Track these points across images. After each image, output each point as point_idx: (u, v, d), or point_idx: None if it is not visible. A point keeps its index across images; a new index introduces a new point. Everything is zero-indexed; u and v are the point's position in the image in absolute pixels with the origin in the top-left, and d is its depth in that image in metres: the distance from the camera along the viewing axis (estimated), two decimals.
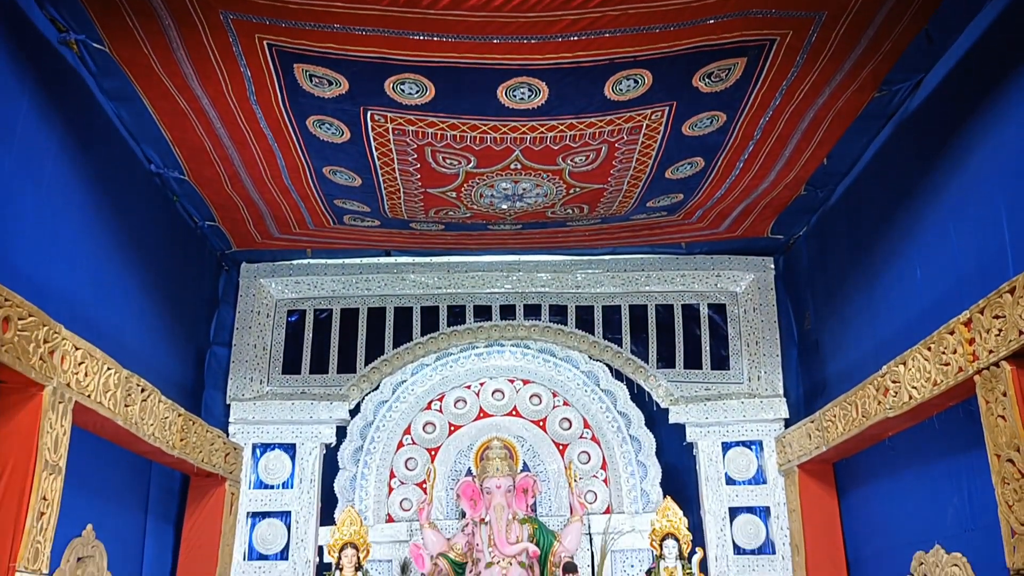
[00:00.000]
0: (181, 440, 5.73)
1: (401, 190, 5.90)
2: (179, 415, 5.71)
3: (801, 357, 7.31)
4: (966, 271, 4.65)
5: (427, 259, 7.72)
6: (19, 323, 3.80)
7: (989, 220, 4.39)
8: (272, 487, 7.18)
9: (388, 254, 7.70)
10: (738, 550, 7.04)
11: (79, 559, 4.99)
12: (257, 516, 7.12)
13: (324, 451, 7.38)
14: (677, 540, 6.69)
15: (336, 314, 7.70)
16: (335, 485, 7.45)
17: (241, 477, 6.98)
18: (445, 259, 7.72)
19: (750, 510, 7.15)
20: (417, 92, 4.62)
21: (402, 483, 7.66)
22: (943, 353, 4.49)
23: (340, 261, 7.70)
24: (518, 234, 7.00)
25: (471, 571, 7.00)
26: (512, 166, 5.50)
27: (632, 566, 7.28)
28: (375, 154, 5.35)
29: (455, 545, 7.11)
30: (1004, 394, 3.96)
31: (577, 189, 5.91)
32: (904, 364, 4.93)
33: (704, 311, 7.69)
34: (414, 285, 7.70)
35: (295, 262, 7.68)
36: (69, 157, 4.76)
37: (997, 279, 4.08)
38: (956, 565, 4.86)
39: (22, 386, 3.99)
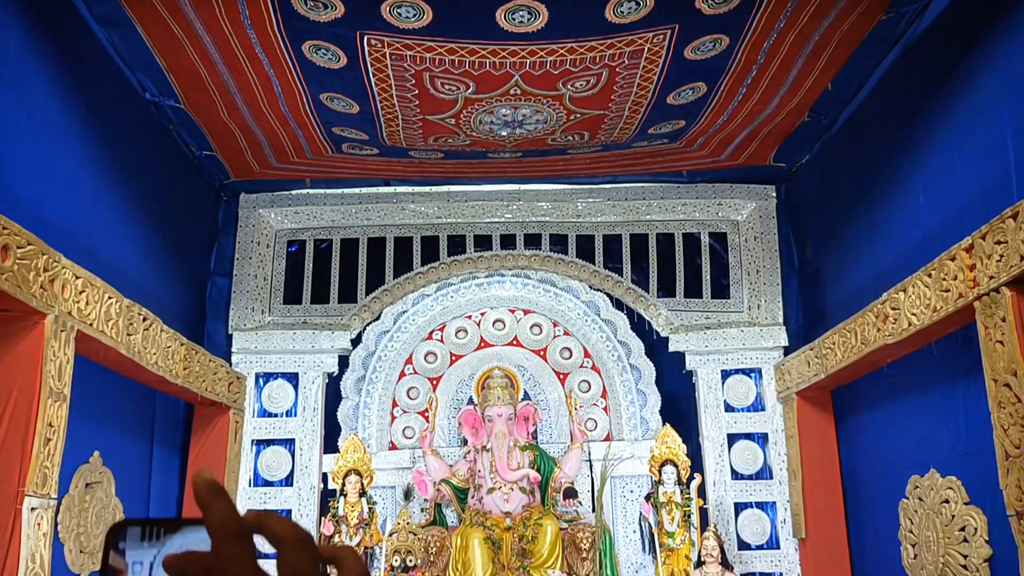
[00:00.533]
0: (184, 369, 5.77)
1: (399, 117, 5.83)
2: (181, 344, 5.75)
3: (802, 286, 7.32)
4: (970, 197, 4.62)
5: (426, 188, 7.66)
6: (18, 251, 3.80)
7: (995, 145, 4.34)
8: (276, 415, 7.26)
9: (388, 183, 7.64)
10: (736, 475, 7.15)
11: (87, 485, 5.08)
12: (262, 444, 7.22)
13: (326, 380, 7.44)
14: (676, 466, 6.80)
15: (336, 244, 7.68)
16: (338, 413, 7.54)
17: (245, 406, 7.05)
18: (445, 188, 7.67)
19: (748, 436, 7.24)
20: (414, 15, 4.52)
21: (404, 412, 7.76)
22: (943, 279, 4.49)
23: (339, 191, 7.65)
24: (518, 162, 6.94)
25: (473, 496, 7.14)
26: (512, 92, 5.42)
27: (631, 491, 7.40)
28: (372, 80, 5.27)
29: (457, 471, 7.24)
30: (1003, 319, 3.97)
31: (577, 115, 5.84)
32: (904, 291, 4.93)
33: (705, 240, 7.67)
34: (414, 215, 7.67)
35: (294, 192, 7.63)
36: (62, 85, 4.70)
37: (1001, 204, 4.05)
38: (951, 488, 4.94)
39: (24, 315, 4.00)
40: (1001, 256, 3.97)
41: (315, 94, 5.55)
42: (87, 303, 4.47)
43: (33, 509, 3.84)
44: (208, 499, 0.59)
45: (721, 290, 7.57)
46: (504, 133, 6.12)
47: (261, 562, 0.59)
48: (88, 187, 5.09)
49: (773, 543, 6.99)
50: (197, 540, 0.62)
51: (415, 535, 6.65)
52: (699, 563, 6.32)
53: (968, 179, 4.66)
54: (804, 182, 7.20)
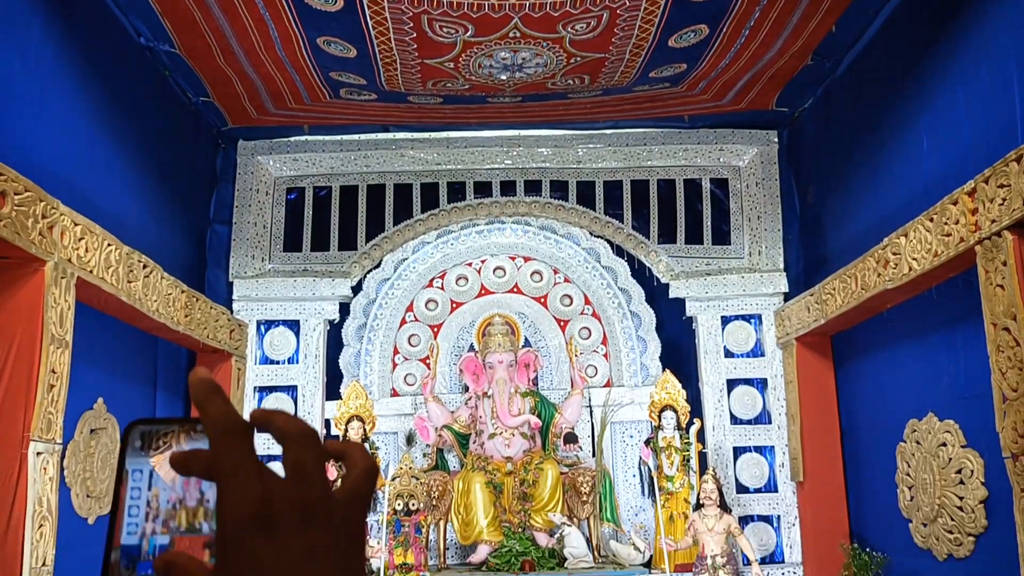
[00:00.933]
0: (185, 316, 5.79)
1: (397, 61, 5.75)
2: (182, 292, 5.76)
3: (803, 231, 7.30)
4: (974, 140, 4.58)
5: (426, 134, 7.60)
6: (15, 198, 3.78)
7: (1000, 88, 4.29)
8: (278, 363, 7.30)
9: (386, 129, 7.57)
10: (735, 420, 7.21)
11: (92, 431, 5.12)
12: (264, 391, 7.26)
13: (328, 327, 7.46)
14: (675, 411, 6.86)
15: (335, 191, 7.64)
16: (340, 361, 7.58)
17: (247, 353, 7.08)
18: (444, 134, 7.61)
19: (748, 382, 7.28)
20: None
21: (406, 359, 7.80)
22: (945, 224, 4.47)
23: (338, 137, 7.59)
24: (518, 107, 6.87)
25: (475, 442, 7.21)
26: (511, 34, 5.34)
27: (631, 436, 7.47)
28: (369, 23, 5.19)
29: (459, 417, 7.30)
30: (1004, 263, 3.97)
31: (578, 59, 5.77)
32: (905, 236, 4.92)
33: (706, 186, 7.63)
34: (413, 161, 7.62)
35: (292, 139, 7.57)
36: (56, 30, 4.63)
37: (1005, 148, 4.01)
38: (948, 431, 4.98)
39: (23, 262, 4.00)
40: (1003, 200, 3.95)
41: (312, 38, 5.47)
42: (86, 250, 4.46)
43: (39, 454, 3.88)
44: (204, 397, 0.59)
45: (722, 236, 7.55)
46: (503, 77, 6.05)
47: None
48: (84, 134, 5.04)
49: (771, 486, 7.08)
50: (199, 446, 0.64)
51: (417, 480, 6.73)
52: (698, 506, 6.41)
53: (972, 122, 4.62)
54: (807, 127, 7.14)
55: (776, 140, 7.57)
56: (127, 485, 0.65)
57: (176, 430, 0.66)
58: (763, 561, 6.69)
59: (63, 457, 4.48)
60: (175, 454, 0.60)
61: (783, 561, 6.87)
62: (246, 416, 0.60)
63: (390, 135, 7.61)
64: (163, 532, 0.65)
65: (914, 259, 4.82)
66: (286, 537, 0.56)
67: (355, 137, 7.61)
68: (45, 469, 3.92)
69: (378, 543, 6.36)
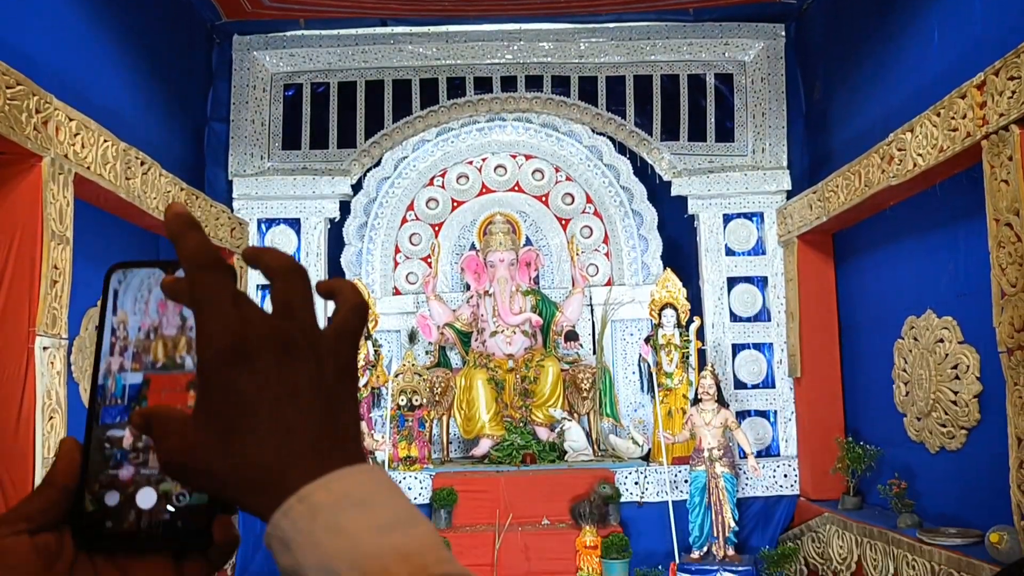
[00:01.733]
0: None
1: None
2: (181, 189, 5.72)
3: (808, 128, 7.19)
4: (986, 32, 4.47)
5: (424, 28, 7.41)
6: (7, 92, 3.71)
7: None
8: None
9: (384, 23, 7.38)
10: (735, 318, 7.25)
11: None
12: (266, 289, 7.27)
13: (328, 226, 7.44)
14: (675, 309, 6.91)
15: (333, 88, 7.51)
16: (341, 259, 7.59)
17: None
18: (443, 28, 7.41)
19: (748, 280, 7.30)
20: None
21: (407, 258, 7.82)
22: (952, 118, 4.40)
23: (335, 32, 7.40)
24: None
25: (476, 340, 7.29)
26: None
27: (631, 334, 7.54)
28: None
29: (460, 316, 7.37)
30: (1010, 158, 3.92)
31: None
32: (911, 131, 4.85)
33: (710, 81, 7.48)
34: (412, 56, 7.45)
35: (288, 34, 7.38)
36: None
37: (1019, 39, 3.91)
38: (946, 328, 5.02)
39: (20, 157, 3.96)
40: (1013, 92, 3.87)
41: None
42: (83, 146, 4.41)
43: (45, 348, 3.92)
44: (179, 231, 0.57)
45: (725, 133, 7.45)
46: None
47: None
48: (75, 27, 4.93)
49: (769, 382, 7.18)
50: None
51: (420, 376, 6.83)
52: (695, 401, 6.51)
53: (986, 13, 4.50)
54: (815, 19, 6.96)
55: (783, 34, 7.37)
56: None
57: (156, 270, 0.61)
58: (759, 454, 6.84)
59: (70, 352, 4.54)
60: (166, 278, 0.57)
61: (778, 454, 7.02)
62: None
63: (388, 29, 7.42)
64: (134, 369, 0.57)
65: (919, 155, 4.76)
66: (267, 370, 0.54)
67: (352, 31, 7.42)
68: (52, 363, 3.97)
69: (382, 437, 6.51)
